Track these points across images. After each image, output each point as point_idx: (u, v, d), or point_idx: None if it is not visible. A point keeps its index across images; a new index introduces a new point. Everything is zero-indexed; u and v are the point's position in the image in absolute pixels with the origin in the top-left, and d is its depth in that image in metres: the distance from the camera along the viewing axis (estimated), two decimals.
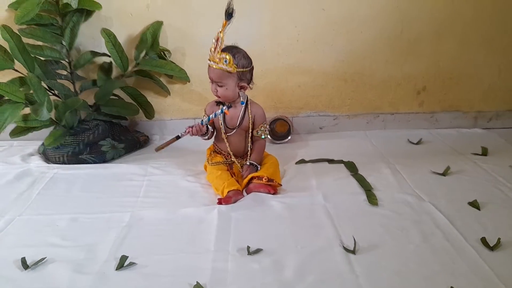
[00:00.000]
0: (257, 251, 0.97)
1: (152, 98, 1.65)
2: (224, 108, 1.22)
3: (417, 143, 1.63)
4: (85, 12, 1.45)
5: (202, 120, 1.25)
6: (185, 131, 1.24)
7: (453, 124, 1.76)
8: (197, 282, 0.87)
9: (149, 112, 1.62)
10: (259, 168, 1.28)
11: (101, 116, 1.53)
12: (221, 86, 1.21)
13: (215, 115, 1.24)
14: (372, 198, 1.20)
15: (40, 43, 1.47)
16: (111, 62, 1.56)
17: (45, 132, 1.48)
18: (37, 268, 0.93)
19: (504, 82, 1.71)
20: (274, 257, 0.95)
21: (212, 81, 1.22)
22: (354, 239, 0.98)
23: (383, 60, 1.66)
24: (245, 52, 1.22)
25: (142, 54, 1.54)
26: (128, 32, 1.57)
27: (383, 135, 1.72)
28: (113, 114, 1.54)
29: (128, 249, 0.98)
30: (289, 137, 1.65)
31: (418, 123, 1.76)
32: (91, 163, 1.44)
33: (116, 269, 0.92)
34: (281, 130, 1.64)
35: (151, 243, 1.01)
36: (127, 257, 0.95)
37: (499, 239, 0.98)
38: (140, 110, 1.62)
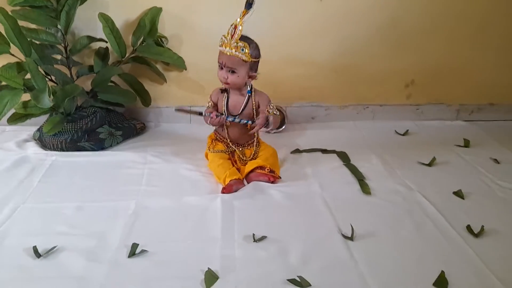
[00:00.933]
0: (262, 238, 1.02)
1: (148, 85, 1.64)
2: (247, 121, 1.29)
3: (404, 134, 1.71)
4: None
5: (228, 116, 1.29)
6: (209, 114, 1.27)
7: (437, 116, 1.85)
8: (208, 268, 0.91)
9: (146, 99, 1.62)
10: (270, 121, 1.28)
11: (98, 103, 1.52)
12: (233, 73, 1.24)
13: (242, 122, 1.30)
14: (365, 188, 1.26)
15: (34, 26, 1.43)
16: (107, 47, 1.55)
17: (39, 118, 1.47)
18: (49, 256, 0.95)
19: (486, 77, 1.80)
20: (278, 245, 1.01)
21: (223, 67, 1.24)
22: (352, 227, 1.05)
23: (375, 53, 1.71)
24: (257, 44, 1.26)
25: (140, 40, 1.52)
26: (125, 17, 1.54)
27: (372, 125, 1.79)
28: (111, 101, 1.53)
29: (138, 237, 1.01)
30: (284, 127, 1.69)
31: (405, 114, 1.83)
32: (89, 150, 1.44)
33: (128, 257, 0.95)
34: None
35: (159, 231, 1.05)
36: (138, 244, 0.98)
37: (482, 226, 1.07)
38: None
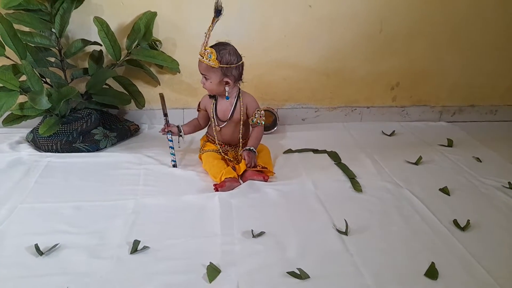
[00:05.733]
0: (261, 234, 1.06)
1: (142, 88, 1.66)
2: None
3: (391, 135, 1.78)
4: None
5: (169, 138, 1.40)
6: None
7: (421, 118, 1.93)
8: (210, 262, 0.94)
9: (140, 101, 1.64)
10: (256, 152, 1.34)
11: (93, 105, 1.53)
12: (207, 79, 1.28)
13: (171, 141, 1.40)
14: (356, 185, 1.31)
15: (28, 29, 1.44)
16: (101, 50, 1.56)
17: (32, 120, 1.47)
18: (51, 254, 0.96)
19: (466, 80, 1.89)
20: (276, 239, 1.04)
21: (201, 74, 1.29)
22: (346, 222, 1.09)
23: (362, 57, 1.77)
24: (234, 49, 1.27)
25: (134, 44, 1.54)
26: (119, 21, 1.57)
27: (360, 126, 1.85)
28: (105, 103, 1.54)
29: (139, 234, 1.03)
30: (275, 128, 1.74)
31: (391, 116, 1.91)
32: (84, 152, 1.44)
33: (130, 253, 0.97)
34: (267, 121, 1.72)
35: (159, 229, 1.07)
36: (139, 241, 1.00)
37: (468, 221, 1.12)
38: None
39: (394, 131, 1.80)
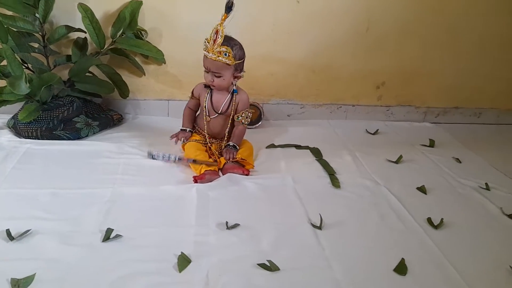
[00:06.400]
0: (235, 226, 1.06)
1: (127, 77, 1.65)
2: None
3: (374, 133, 1.79)
4: None
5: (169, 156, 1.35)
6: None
7: (406, 118, 1.94)
8: (182, 252, 0.94)
9: (124, 91, 1.63)
10: (238, 149, 1.35)
11: (75, 93, 1.52)
12: (218, 77, 1.26)
13: (168, 159, 1.34)
14: (335, 182, 1.32)
15: (10, 13, 1.42)
16: (85, 38, 1.55)
17: (14, 106, 1.46)
18: (23, 239, 0.95)
19: (453, 81, 1.90)
20: (251, 232, 1.05)
21: (209, 71, 1.27)
22: (321, 217, 1.10)
23: (350, 54, 1.78)
24: (240, 44, 1.27)
25: (119, 32, 1.53)
26: (104, 9, 1.55)
27: (344, 124, 1.86)
28: (88, 91, 1.53)
29: (113, 223, 1.03)
30: (260, 123, 1.74)
31: (376, 115, 1.92)
32: (65, 139, 1.43)
33: (102, 241, 0.97)
34: (252, 117, 1.72)
35: (134, 218, 1.07)
36: (113, 229, 1.00)
37: (442, 219, 1.14)
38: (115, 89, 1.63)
39: (377, 130, 1.81)
